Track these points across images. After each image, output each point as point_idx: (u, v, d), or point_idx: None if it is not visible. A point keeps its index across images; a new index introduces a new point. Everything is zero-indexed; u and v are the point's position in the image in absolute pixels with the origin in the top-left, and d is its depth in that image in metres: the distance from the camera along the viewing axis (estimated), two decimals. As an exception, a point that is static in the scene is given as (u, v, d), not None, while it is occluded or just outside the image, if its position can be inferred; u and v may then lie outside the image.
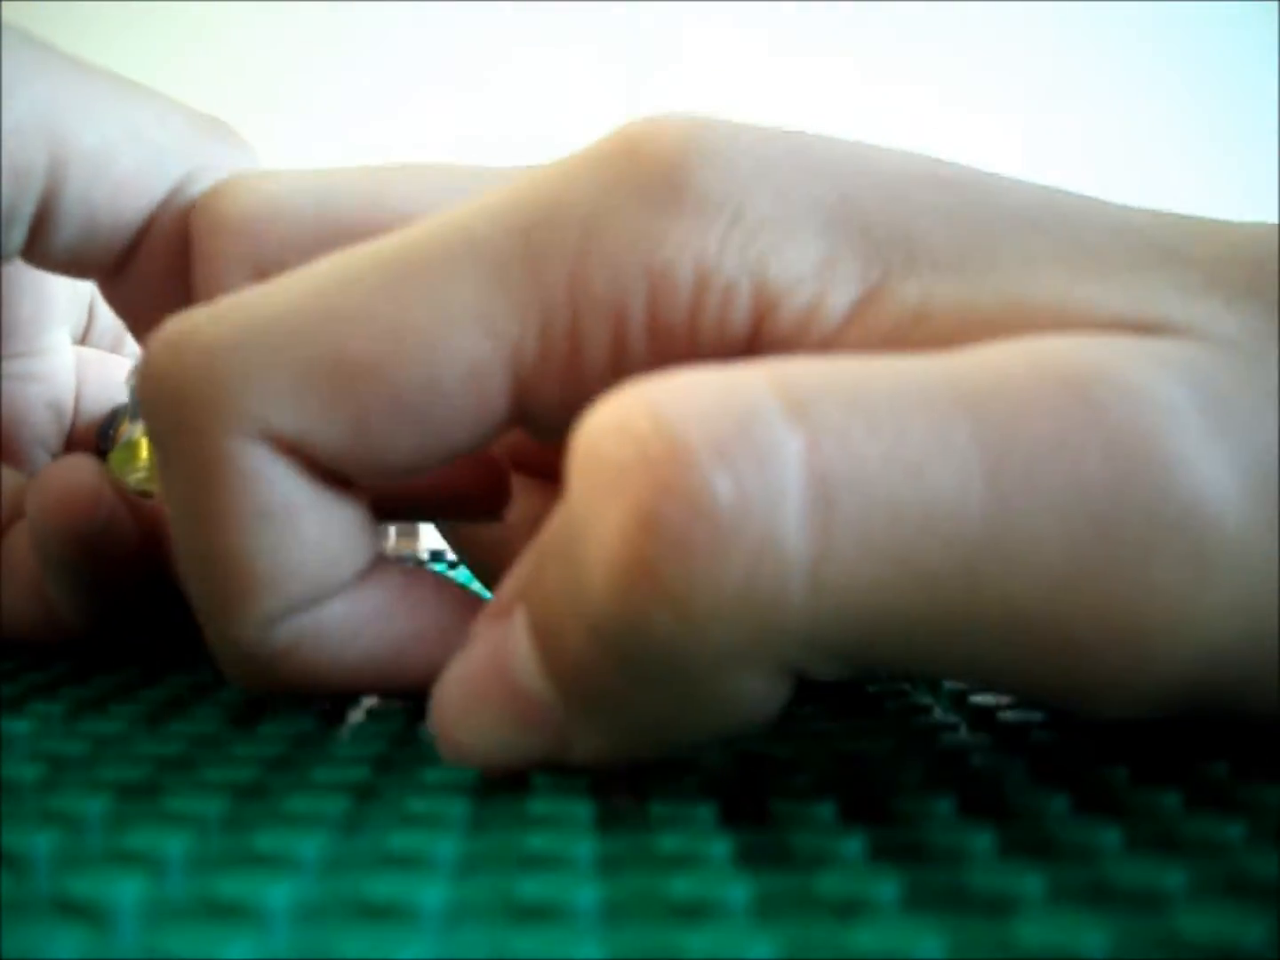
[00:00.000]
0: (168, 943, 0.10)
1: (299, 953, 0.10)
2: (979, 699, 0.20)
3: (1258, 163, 1.08)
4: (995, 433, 0.12)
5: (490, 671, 0.15)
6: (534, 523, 0.24)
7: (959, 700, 0.20)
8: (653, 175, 0.16)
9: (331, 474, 0.17)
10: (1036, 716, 0.19)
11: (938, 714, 0.19)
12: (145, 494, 0.23)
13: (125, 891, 0.11)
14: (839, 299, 0.15)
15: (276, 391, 0.16)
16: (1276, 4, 1.09)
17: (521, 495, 0.24)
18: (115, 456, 0.24)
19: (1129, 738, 0.17)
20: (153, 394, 0.16)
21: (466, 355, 0.16)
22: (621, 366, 0.16)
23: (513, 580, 0.15)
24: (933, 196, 0.16)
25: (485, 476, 0.20)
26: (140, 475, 0.24)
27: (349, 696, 0.20)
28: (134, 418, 0.25)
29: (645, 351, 0.16)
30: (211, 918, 0.11)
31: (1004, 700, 0.20)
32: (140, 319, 0.22)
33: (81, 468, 0.21)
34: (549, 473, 0.24)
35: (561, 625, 0.14)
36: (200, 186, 0.21)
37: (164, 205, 0.21)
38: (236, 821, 0.14)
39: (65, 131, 0.19)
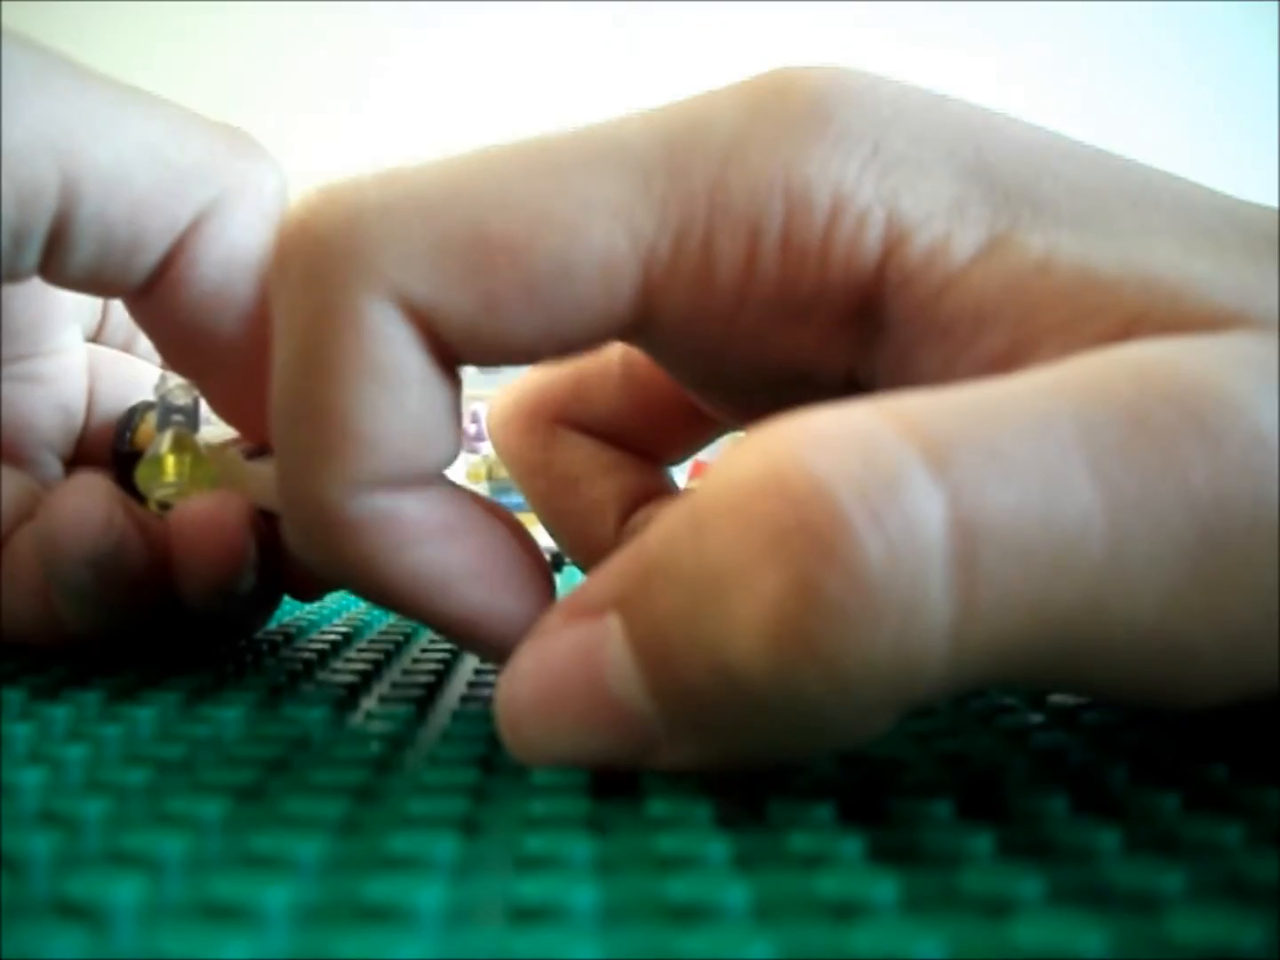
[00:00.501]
0: (166, 944, 0.10)
1: (297, 954, 0.10)
2: (977, 702, 0.20)
3: (1258, 162, 1.08)
4: (1109, 459, 0.12)
5: (576, 673, 0.14)
6: (627, 501, 0.24)
7: (958, 703, 0.20)
8: (798, 106, 0.16)
9: (445, 353, 0.17)
10: (1035, 719, 0.19)
11: (936, 716, 0.19)
12: (166, 506, 0.23)
13: (124, 893, 0.11)
14: (966, 240, 0.16)
15: (415, 257, 0.16)
16: (1277, 4, 1.09)
17: (616, 471, 0.24)
18: (142, 471, 0.24)
19: (1127, 739, 0.17)
20: (289, 244, 0.17)
21: (602, 247, 0.16)
22: (750, 283, 0.16)
23: (604, 580, 0.15)
24: (1059, 162, 0.16)
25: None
26: (167, 491, 0.24)
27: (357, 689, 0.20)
28: (161, 428, 0.25)
29: (775, 272, 0.16)
30: (210, 919, 0.11)
31: (1003, 703, 0.20)
32: (171, 339, 0.22)
33: (93, 490, 0.21)
34: (645, 449, 0.24)
35: (679, 656, 0.13)
36: (235, 212, 0.20)
37: (193, 229, 0.20)
38: (235, 823, 0.14)
39: (77, 149, 0.19)
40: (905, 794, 0.14)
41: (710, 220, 0.16)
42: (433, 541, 0.17)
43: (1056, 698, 0.20)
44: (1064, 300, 0.15)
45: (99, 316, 0.29)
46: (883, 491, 0.12)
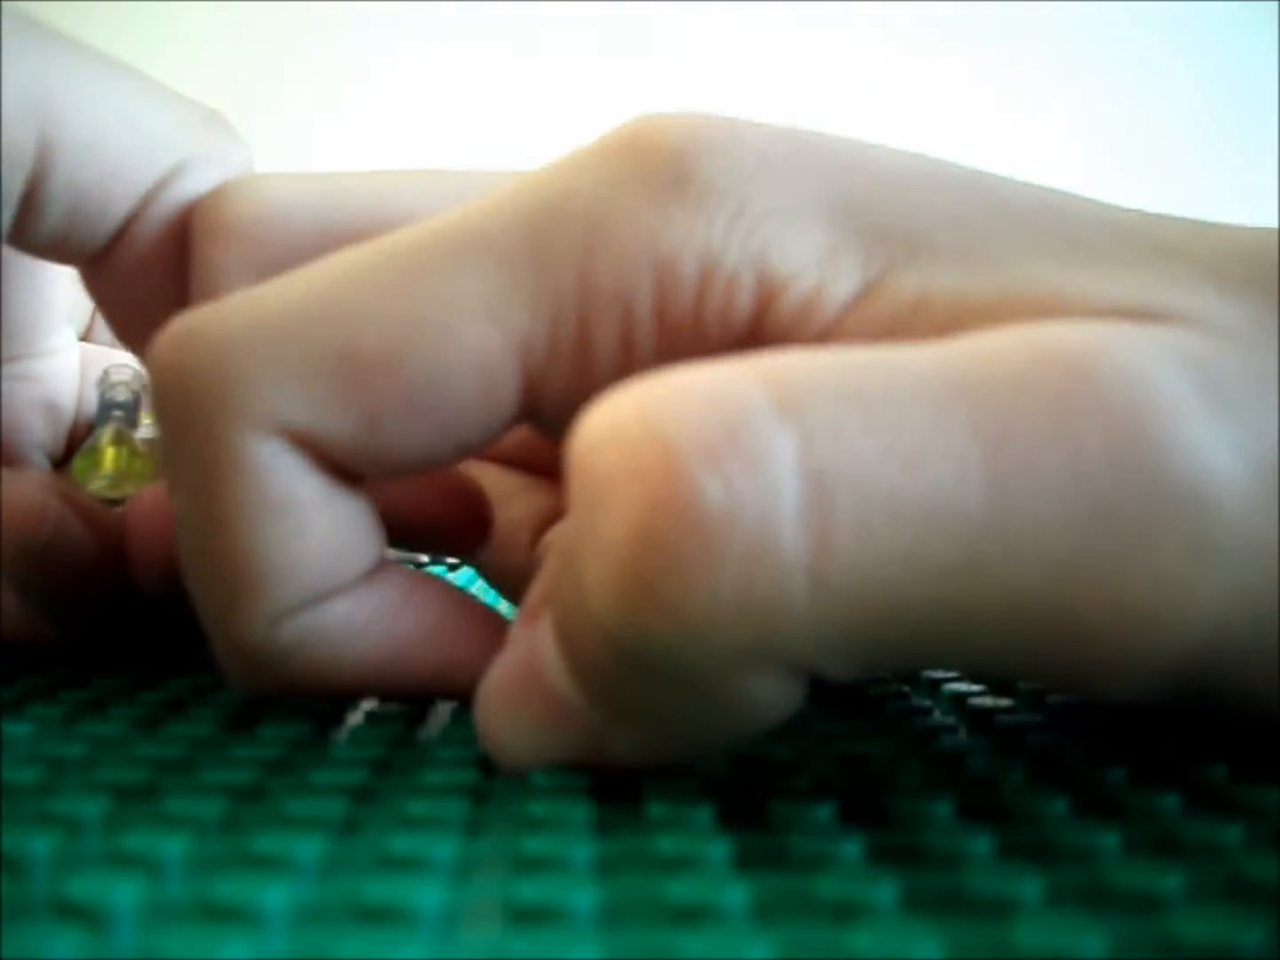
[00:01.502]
0: (166, 944, 0.10)
1: (297, 955, 0.10)
2: (978, 701, 0.20)
3: (1258, 163, 1.08)
4: (993, 419, 0.12)
5: (525, 674, 0.15)
6: (539, 521, 0.24)
7: (958, 702, 0.20)
8: (657, 168, 0.16)
9: (340, 470, 0.17)
10: (1035, 719, 0.19)
11: (937, 716, 0.19)
12: (113, 502, 0.23)
13: (123, 893, 0.11)
14: (840, 289, 0.15)
15: (287, 384, 0.16)
16: (1277, 4, 1.09)
17: (526, 493, 0.24)
18: (77, 463, 0.24)
19: (1127, 739, 0.17)
20: (160, 388, 0.16)
21: (476, 347, 0.16)
22: (630, 358, 0.16)
23: (541, 581, 0.15)
24: (933, 194, 0.16)
25: (467, 509, 0.20)
26: (101, 484, 0.24)
27: (349, 699, 0.20)
28: (101, 422, 0.25)
29: (653, 343, 0.16)
30: (209, 920, 0.11)
31: (1003, 703, 0.20)
32: (117, 307, 0.22)
33: (27, 482, 0.21)
34: (554, 471, 0.24)
35: (578, 633, 0.14)
36: (193, 178, 0.20)
37: (152, 194, 0.20)
38: (235, 823, 0.14)
39: (55, 112, 0.19)
40: (905, 794, 0.14)
41: (582, 304, 0.16)
42: (370, 631, 0.17)
43: (1055, 697, 0.20)
44: (942, 336, 0.15)
45: (89, 315, 0.29)
46: (721, 433, 0.12)
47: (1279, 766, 0.15)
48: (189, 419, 0.16)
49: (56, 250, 0.21)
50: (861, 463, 0.12)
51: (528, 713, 0.15)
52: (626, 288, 0.15)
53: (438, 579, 0.19)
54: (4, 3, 0.20)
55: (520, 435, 0.24)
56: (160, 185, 0.20)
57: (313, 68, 1.16)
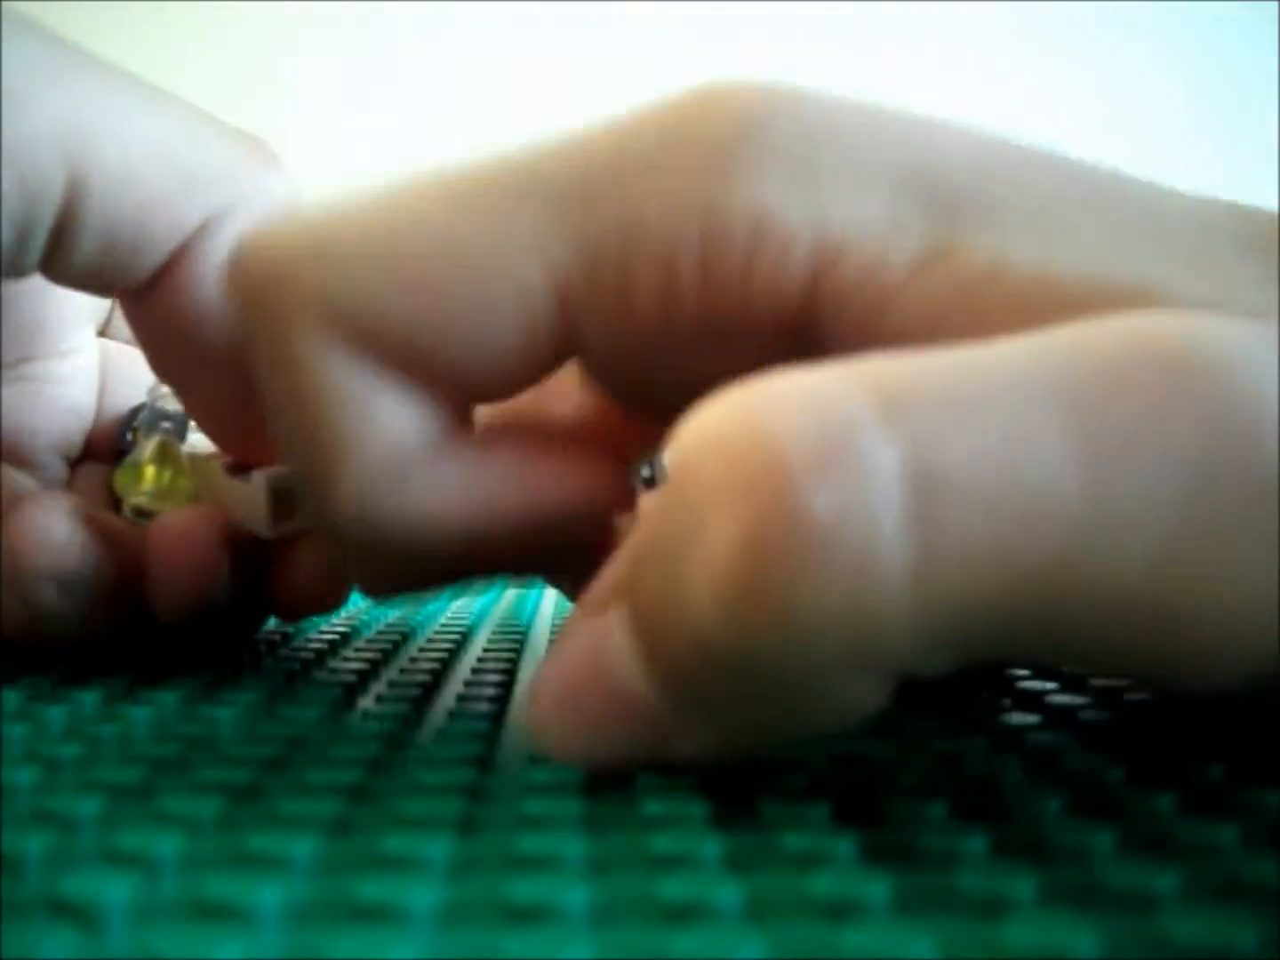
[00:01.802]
0: (159, 943, 0.10)
1: (290, 954, 0.10)
2: (973, 702, 0.20)
3: (1258, 164, 1.08)
4: (1087, 415, 0.12)
5: (588, 668, 0.15)
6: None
7: (953, 703, 0.20)
8: (721, 128, 0.16)
9: (405, 370, 0.17)
10: (1031, 719, 0.19)
11: (931, 716, 0.19)
12: (145, 514, 0.23)
13: (117, 892, 0.11)
14: (902, 256, 0.15)
15: (340, 296, 0.16)
16: (1277, 4, 1.09)
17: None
18: (120, 476, 0.24)
19: (1125, 740, 0.17)
20: (233, 298, 0.18)
21: (516, 279, 0.16)
22: (671, 315, 0.16)
23: (610, 572, 0.15)
24: (1008, 169, 0.16)
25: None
26: (141, 499, 0.24)
27: (355, 690, 0.20)
28: (148, 432, 0.25)
29: (695, 302, 0.16)
30: (203, 918, 0.11)
31: (998, 703, 0.20)
32: (164, 344, 0.22)
33: (53, 509, 0.21)
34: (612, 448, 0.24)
35: (665, 632, 0.14)
36: (245, 218, 0.20)
37: (205, 233, 0.20)
38: (229, 822, 0.14)
39: (86, 145, 0.19)
40: (900, 794, 0.14)
41: (624, 252, 0.16)
42: (454, 495, 0.17)
43: (1055, 697, 0.20)
44: (1017, 305, 0.15)
45: (108, 312, 0.29)
46: (829, 440, 0.12)
47: (1276, 767, 0.15)
48: (257, 327, 0.17)
49: (92, 283, 0.21)
50: (960, 469, 0.12)
51: (587, 707, 0.15)
52: (671, 242, 0.16)
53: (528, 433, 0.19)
54: (42, 29, 0.19)
55: (580, 416, 0.24)
56: (210, 226, 0.20)
57: (333, 65, 1.16)
